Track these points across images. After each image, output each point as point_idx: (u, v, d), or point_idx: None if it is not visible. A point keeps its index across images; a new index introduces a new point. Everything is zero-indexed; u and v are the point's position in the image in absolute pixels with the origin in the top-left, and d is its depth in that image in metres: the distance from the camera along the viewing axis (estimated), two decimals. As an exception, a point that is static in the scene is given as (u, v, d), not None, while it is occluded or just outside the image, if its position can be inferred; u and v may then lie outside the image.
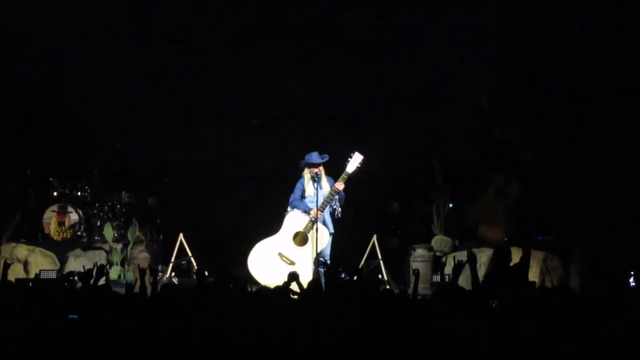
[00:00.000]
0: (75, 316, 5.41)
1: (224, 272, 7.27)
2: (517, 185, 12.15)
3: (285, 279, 7.52)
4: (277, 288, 6.27)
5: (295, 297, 6.93)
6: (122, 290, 6.54)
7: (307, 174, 10.09)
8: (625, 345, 5.14)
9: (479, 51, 11.97)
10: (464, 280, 7.20)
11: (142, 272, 6.83)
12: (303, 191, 10.09)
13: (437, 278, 11.46)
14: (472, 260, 7.08)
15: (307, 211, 9.98)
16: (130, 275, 11.67)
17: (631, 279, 9.83)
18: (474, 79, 11.96)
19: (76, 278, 9.45)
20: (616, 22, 11.02)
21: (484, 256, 11.46)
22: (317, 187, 9.90)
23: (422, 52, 12.04)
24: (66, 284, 8.11)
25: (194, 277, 11.69)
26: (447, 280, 11.03)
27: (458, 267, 6.99)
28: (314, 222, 9.87)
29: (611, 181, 11.24)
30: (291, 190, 10.24)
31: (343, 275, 9.70)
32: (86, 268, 6.78)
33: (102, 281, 7.17)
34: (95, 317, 5.21)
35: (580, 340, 5.27)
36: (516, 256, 10.96)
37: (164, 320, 5.26)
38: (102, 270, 6.67)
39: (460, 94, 12.03)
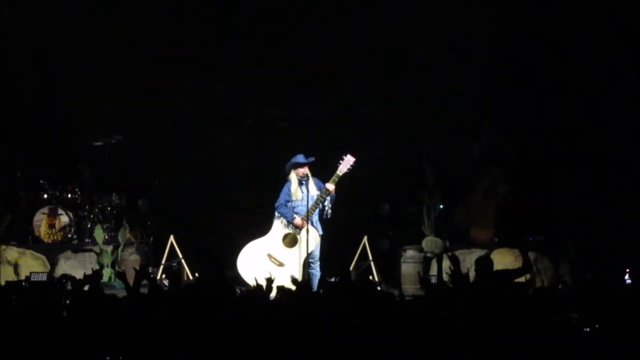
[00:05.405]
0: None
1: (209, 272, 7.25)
2: (505, 185, 12.17)
3: (274, 280, 7.51)
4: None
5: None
6: (114, 293, 6.52)
7: (294, 177, 10.02)
8: (620, 342, 5.17)
9: (469, 53, 12.03)
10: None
11: (137, 274, 6.79)
12: (290, 195, 10.00)
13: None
14: (455, 264, 7.11)
15: (290, 221, 9.96)
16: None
17: (626, 276, 9.84)
18: (464, 80, 12.00)
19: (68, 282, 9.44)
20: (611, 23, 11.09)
21: (474, 257, 11.49)
22: (305, 190, 9.85)
23: (414, 54, 12.09)
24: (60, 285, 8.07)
25: (185, 278, 11.73)
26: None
27: (455, 261, 7.05)
28: (300, 230, 9.87)
29: (601, 180, 11.28)
30: (278, 195, 10.14)
31: (333, 279, 9.68)
32: (80, 274, 6.73)
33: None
34: (90, 319, 5.21)
35: (572, 338, 5.30)
36: (504, 258, 11.04)
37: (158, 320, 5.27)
38: (98, 276, 6.58)
39: (450, 95, 12.07)
